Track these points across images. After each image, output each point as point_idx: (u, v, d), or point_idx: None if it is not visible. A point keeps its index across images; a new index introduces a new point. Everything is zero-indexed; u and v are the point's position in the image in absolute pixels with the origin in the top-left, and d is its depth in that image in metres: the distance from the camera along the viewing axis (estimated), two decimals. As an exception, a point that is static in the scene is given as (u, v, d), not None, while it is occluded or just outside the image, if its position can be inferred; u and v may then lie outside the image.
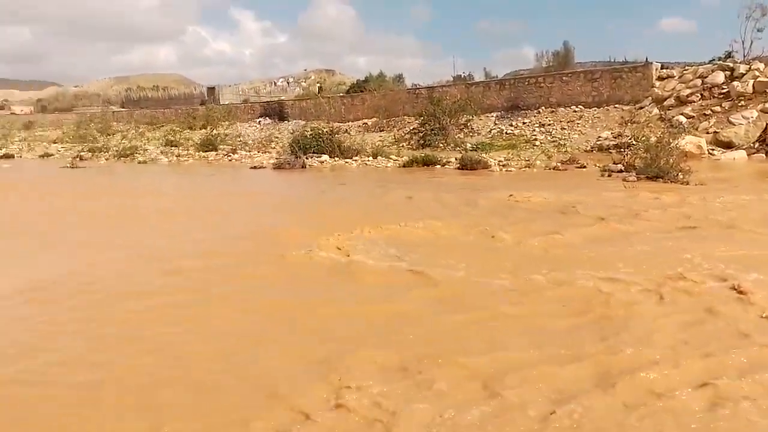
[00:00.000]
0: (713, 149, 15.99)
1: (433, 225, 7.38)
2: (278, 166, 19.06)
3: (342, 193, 12.26)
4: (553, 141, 19.15)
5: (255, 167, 19.64)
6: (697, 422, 2.68)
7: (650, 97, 19.63)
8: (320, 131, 22.17)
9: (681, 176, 11.43)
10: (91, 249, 6.96)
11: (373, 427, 2.74)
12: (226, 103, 38.46)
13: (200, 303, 4.72)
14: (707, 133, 16.85)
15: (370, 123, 25.76)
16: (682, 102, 18.61)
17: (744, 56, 20.32)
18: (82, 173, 19.84)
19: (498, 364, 3.35)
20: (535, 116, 21.54)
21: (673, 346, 3.51)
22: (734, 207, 8.18)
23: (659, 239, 6.35)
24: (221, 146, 25.93)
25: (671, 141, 12.77)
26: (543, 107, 21.73)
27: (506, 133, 21.09)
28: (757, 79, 17.52)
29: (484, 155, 17.48)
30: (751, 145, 15.87)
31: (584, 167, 15.04)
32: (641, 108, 19.45)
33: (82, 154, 27.05)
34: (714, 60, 20.65)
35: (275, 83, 56.30)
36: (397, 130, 23.98)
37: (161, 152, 26.29)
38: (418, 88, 27.43)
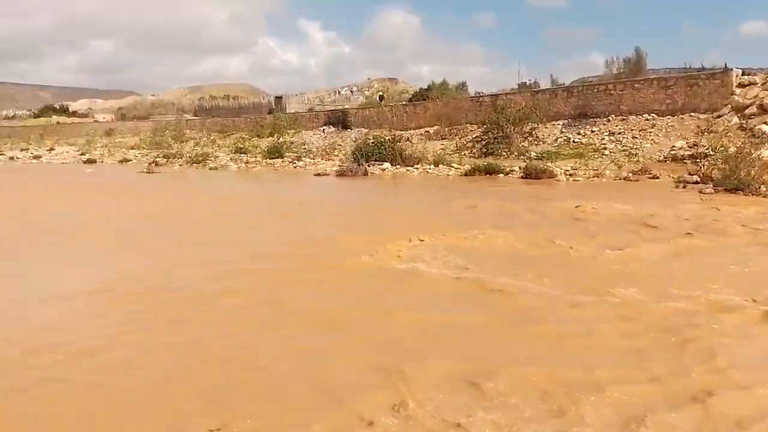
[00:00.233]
0: (801, 160, 14.90)
1: (497, 235, 7.25)
2: (341, 174, 19.36)
3: (404, 201, 12.29)
4: (624, 150, 18.43)
5: (318, 174, 20.03)
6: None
7: (729, 105, 18.54)
8: (382, 139, 22.35)
9: (764, 189, 10.73)
10: (161, 252, 7.29)
11: (436, 437, 2.71)
12: (292, 111, 39.47)
13: (265, 307, 4.83)
14: (794, 143, 15.73)
15: (431, 131, 25.72)
16: (765, 110, 17.46)
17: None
18: (157, 178, 20.87)
19: (570, 380, 3.24)
20: (604, 124, 20.81)
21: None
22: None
23: (748, 256, 5.96)
24: (287, 154, 26.62)
25: (753, 151, 12.03)
26: (613, 115, 20.96)
27: (573, 141, 20.49)
28: None
29: (549, 164, 17.08)
30: None
31: (657, 178, 14.40)
32: (719, 117, 18.40)
33: (157, 159, 28.47)
34: (803, 65, 19.29)
35: (339, 92, 57.28)
36: (459, 139, 23.82)
37: (231, 159, 27.27)
38: (482, 96, 27.15)
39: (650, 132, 19.16)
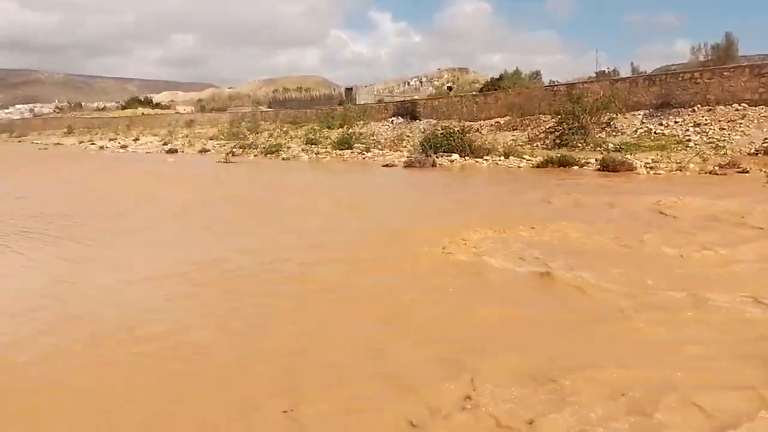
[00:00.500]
0: None
1: (572, 228, 7.01)
2: (409, 165, 19.34)
3: (472, 193, 12.13)
4: (710, 142, 17.30)
5: (387, 165, 20.11)
6: None
7: (835, 93, 16.98)
8: (451, 130, 22.12)
9: None
10: (241, 238, 7.58)
11: (506, 432, 2.67)
12: (362, 103, 39.84)
13: (334, 295, 4.92)
14: None
15: (502, 122, 25.19)
16: None
17: None
18: (234, 168, 21.70)
19: (646, 382, 3.10)
20: (689, 115, 19.60)
21: None
22: None
23: None
24: (356, 145, 26.90)
25: None
26: (699, 105, 19.69)
27: (655, 132, 19.44)
28: None
29: (628, 156, 16.31)
30: None
31: (746, 172, 13.42)
32: (823, 105, 16.90)
33: (234, 150, 29.57)
34: None
35: (408, 83, 57.22)
36: (531, 129, 23.18)
37: (302, 150, 27.90)
38: (556, 85, 26.27)
39: (740, 123, 17.87)
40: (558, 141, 20.59)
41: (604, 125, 20.68)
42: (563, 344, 3.68)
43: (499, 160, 19.34)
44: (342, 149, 26.40)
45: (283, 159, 25.61)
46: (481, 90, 33.01)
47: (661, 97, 20.84)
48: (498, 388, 3.04)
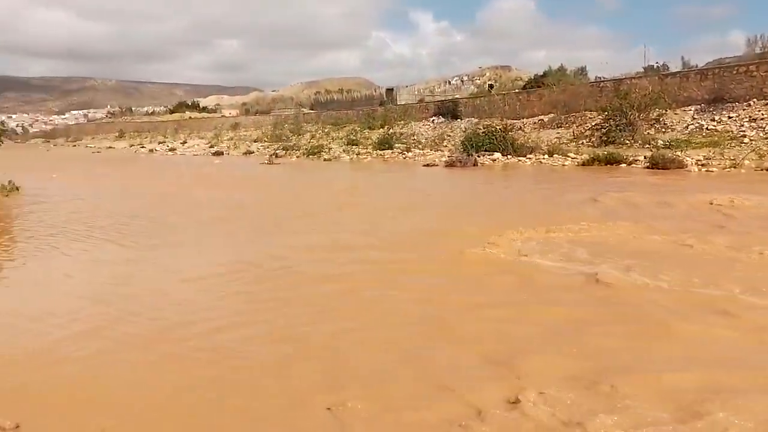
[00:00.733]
0: None
1: (621, 228, 6.83)
2: (450, 164, 19.23)
3: (516, 192, 11.96)
4: (767, 138, 16.53)
5: (428, 165, 20.06)
6: None
7: None
8: (493, 129, 21.89)
9: None
10: (289, 238, 7.70)
11: (554, 435, 2.61)
12: (403, 103, 39.85)
13: (379, 293, 4.93)
14: None
15: (546, 119, 24.73)
16: None
17: None
18: (278, 169, 22.08)
19: (697, 385, 2.98)
20: (743, 110, 18.76)
21: None
22: None
23: None
24: (397, 145, 26.94)
25: None
26: (754, 99, 18.83)
27: (707, 128, 18.71)
28: None
29: (678, 153, 15.76)
30: None
31: (808, 168, 12.77)
32: None
33: (277, 152, 30.10)
34: None
35: (449, 82, 56.88)
36: (576, 127, 22.68)
37: (343, 150, 28.15)
38: (603, 81, 25.60)
39: (801, 117, 17.02)
40: (604, 138, 20.07)
41: (653, 121, 20.04)
42: (612, 346, 3.58)
43: (543, 158, 19.01)
44: (383, 149, 26.48)
45: (325, 160, 25.88)
46: (524, 87, 32.49)
47: (713, 92, 20.02)
48: (544, 390, 2.98)
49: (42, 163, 27.70)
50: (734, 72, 19.94)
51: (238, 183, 16.86)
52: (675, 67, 27.50)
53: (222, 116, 59.91)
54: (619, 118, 20.05)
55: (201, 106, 74.30)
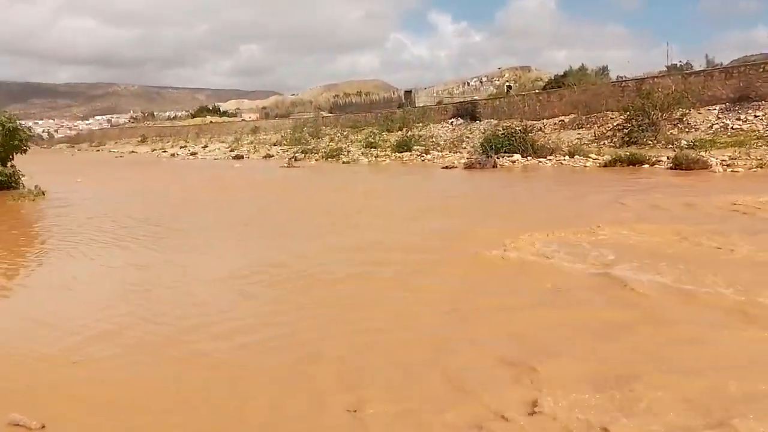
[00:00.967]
0: None
1: (644, 230, 6.73)
2: (469, 166, 19.15)
3: (536, 194, 11.86)
4: (796, 136, 16.16)
5: (446, 167, 19.99)
6: None
7: None
8: (512, 130, 21.74)
9: None
10: (312, 239, 7.74)
11: (575, 438, 2.58)
12: (421, 105, 39.77)
13: (399, 294, 4.93)
14: None
15: (567, 120, 24.49)
16: None
17: None
18: (297, 172, 22.19)
19: (721, 390, 2.91)
20: (771, 108, 18.38)
21: None
22: None
23: None
24: (415, 147, 26.91)
25: None
26: (782, 97, 18.42)
27: (732, 128, 18.35)
28: None
29: (702, 153, 15.47)
30: None
31: (839, 168, 12.44)
32: None
33: (296, 155, 30.27)
34: None
35: (468, 83, 56.66)
36: (598, 128, 22.41)
37: (362, 153, 28.20)
38: (624, 81, 25.27)
39: (831, 115, 16.59)
40: (626, 139, 19.81)
41: (676, 121, 19.72)
42: (633, 349, 3.53)
43: (564, 159, 18.82)
44: (401, 152, 26.47)
45: (344, 163, 25.96)
46: (544, 88, 32.21)
47: (739, 90, 19.63)
48: (564, 393, 2.95)
49: (67, 168, 28.27)
50: (761, 70, 19.52)
51: (258, 187, 16.99)
52: (699, 65, 27.08)
53: (242, 120, 60.43)
54: (641, 118, 19.77)
55: (221, 111, 75.10)
